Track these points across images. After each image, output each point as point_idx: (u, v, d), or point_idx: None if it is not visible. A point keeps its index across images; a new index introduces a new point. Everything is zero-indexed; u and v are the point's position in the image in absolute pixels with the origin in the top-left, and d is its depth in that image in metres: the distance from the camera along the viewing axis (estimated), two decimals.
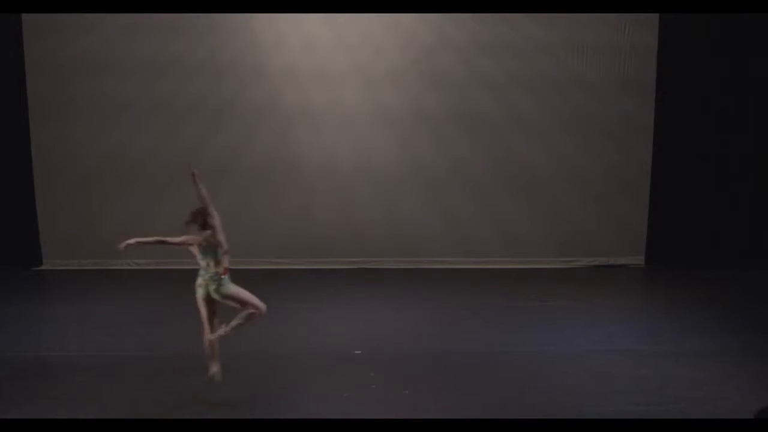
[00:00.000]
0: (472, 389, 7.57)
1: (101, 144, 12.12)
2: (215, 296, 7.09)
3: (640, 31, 12.13)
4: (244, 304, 7.12)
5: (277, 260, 12.32)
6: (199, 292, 7.13)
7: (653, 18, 12.06)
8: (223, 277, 7.08)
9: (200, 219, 7.13)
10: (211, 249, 7.08)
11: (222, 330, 7.12)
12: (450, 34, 12.11)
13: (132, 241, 7.20)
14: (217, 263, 7.08)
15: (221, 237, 7.08)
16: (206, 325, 7.14)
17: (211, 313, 7.17)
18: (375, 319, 9.87)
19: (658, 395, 7.40)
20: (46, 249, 12.31)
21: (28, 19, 11.77)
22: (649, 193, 12.35)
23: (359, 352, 8.50)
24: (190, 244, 7.16)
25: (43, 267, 12.32)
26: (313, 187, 12.32)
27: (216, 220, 7.09)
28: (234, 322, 7.11)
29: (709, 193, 12.30)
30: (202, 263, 7.12)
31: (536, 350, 8.58)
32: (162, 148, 12.15)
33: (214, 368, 7.14)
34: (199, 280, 7.14)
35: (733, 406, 6.91)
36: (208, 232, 7.07)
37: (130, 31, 11.84)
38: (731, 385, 7.53)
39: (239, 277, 11.81)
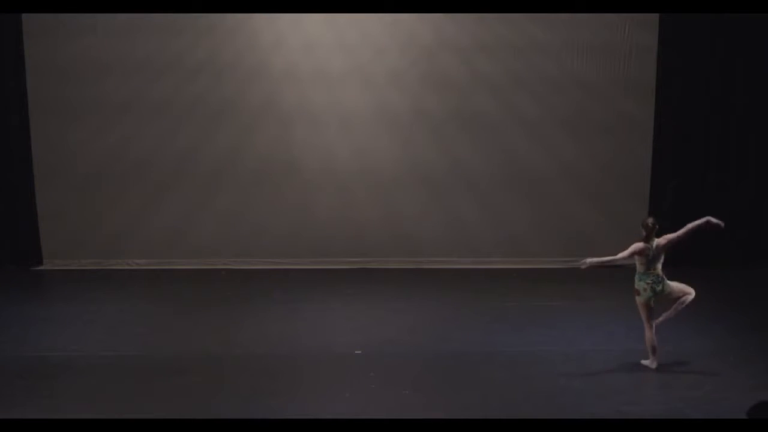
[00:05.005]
0: (472, 389, 7.57)
1: (101, 144, 12.12)
2: (661, 295, 7.85)
3: (640, 31, 12.13)
4: (682, 293, 7.92)
5: (277, 260, 12.32)
6: (645, 296, 7.86)
7: (653, 18, 12.05)
8: (662, 275, 7.86)
9: (654, 231, 7.86)
10: (659, 256, 7.85)
11: (663, 317, 7.97)
12: (450, 34, 12.11)
13: (591, 261, 7.89)
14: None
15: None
16: (649, 324, 7.91)
17: (651, 312, 7.91)
18: (375, 319, 9.87)
19: (658, 395, 7.40)
20: (46, 249, 12.31)
21: (28, 19, 11.77)
22: (649, 193, 12.35)
23: (359, 352, 8.50)
24: (639, 254, 7.85)
25: (43, 267, 12.32)
26: (313, 187, 12.32)
27: (676, 237, 7.91)
28: (673, 310, 7.96)
29: (709, 193, 12.29)
30: (641, 268, 7.87)
31: (536, 350, 8.58)
32: (162, 148, 12.16)
33: (654, 362, 7.95)
34: (642, 285, 7.88)
35: (733, 406, 6.90)
36: (658, 240, 7.83)
37: (130, 31, 11.84)
38: (731, 385, 7.53)
39: (239, 276, 11.89)
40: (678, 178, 8.20)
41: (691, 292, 7.94)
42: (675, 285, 7.94)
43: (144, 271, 12.17)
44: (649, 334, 7.96)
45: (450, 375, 7.96)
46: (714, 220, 7.98)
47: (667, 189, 8.23)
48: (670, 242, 7.89)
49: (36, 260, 12.32)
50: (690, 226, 7.93)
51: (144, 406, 7.06)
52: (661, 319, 7.99)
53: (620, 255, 7.84)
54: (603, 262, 7.89)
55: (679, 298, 7.93)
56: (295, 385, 7.69)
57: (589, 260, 7.86)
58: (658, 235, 7.88)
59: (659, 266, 7.89)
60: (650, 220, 7.96)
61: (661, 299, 7.93)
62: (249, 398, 7.25)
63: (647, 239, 7.88)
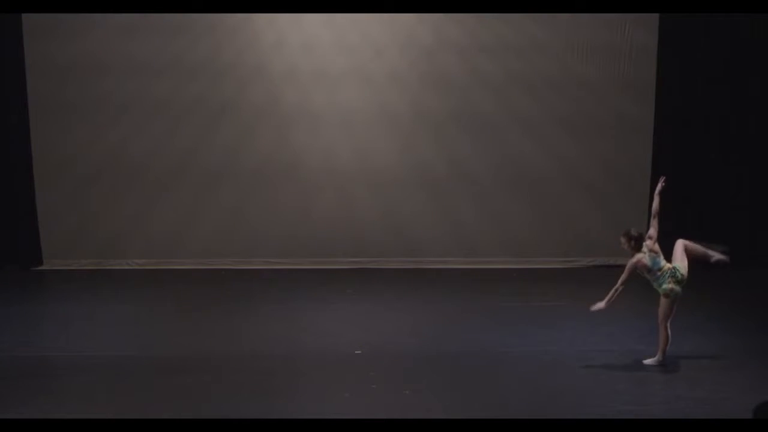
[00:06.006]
0: (472, 389, 7.57)
1: (101, 144, 12.12)
2: (684, 283, 7.88)
3: (640, 31, 12.13)
4: (698, 251, 8.08)
5: (277, 260, 12.32)
6: (674, 294, 7.87)
7: (653, 18, 12.06)
8: (674, 266, 7.91)
9: (641, 238, 7.94)
10: (657, 255, 7.90)
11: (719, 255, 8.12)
12: (450, 34, 12.11)
13: (603, 303, 7.91)
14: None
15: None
16: (666, 323, 7.96)
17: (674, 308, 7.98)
18: (375, 319, 9.87)
19: (658, 395, 7.40)
20: (46, 249, 12.30)
21: (28, 19, 11.77)
22: (649, 193, 12.32)
23: (359, 352, 8.50)
24: (639, 267, 7.91)
25: (43, 267, 12.31)
26: (313, 187, 12.31)
27: (654, 230, 8.00)
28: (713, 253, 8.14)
29: (709, 193, 12.30)
30: (653, 275, 7.89)
31: (536, 350, 8.58)
32: (162, 148, 12.16)
33: (663, 360, 8.02)
34: (667, 287, 7.87)
35: (733, 406, 6.91)
36: (649, 242, 7.90)
37: (130, 31, 11.84)
38: (731, 385, 7.53)
39: (239, 276, 11.88)
40: (662, 181, 8.20)
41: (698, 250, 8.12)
42: (683, 262, 7.95)
43: (144, 271, 12.17)
44: (666, 334, 7.98)
45: (450, 375, 7.96)
46: (659, 186, 8.17)
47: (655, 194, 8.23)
48: (655, 238, 7.94)
49: (36, 260, 12.32)
50: (654, 210, 8.07)
51: (144, 406, 7.06)
52: (719, 257, 8.14)
53: (622, 279, 7.87)
54: (612, 295, 7.87)
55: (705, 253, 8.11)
56: (295, 385, 7.69)
57: (600, 303, 7.88)
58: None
59: (664, 262, 7.92)
60: (632, 232, 7.97)
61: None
62: (249, 398, 7.25)
63: (638, 248, 7.92)
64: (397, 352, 8.55)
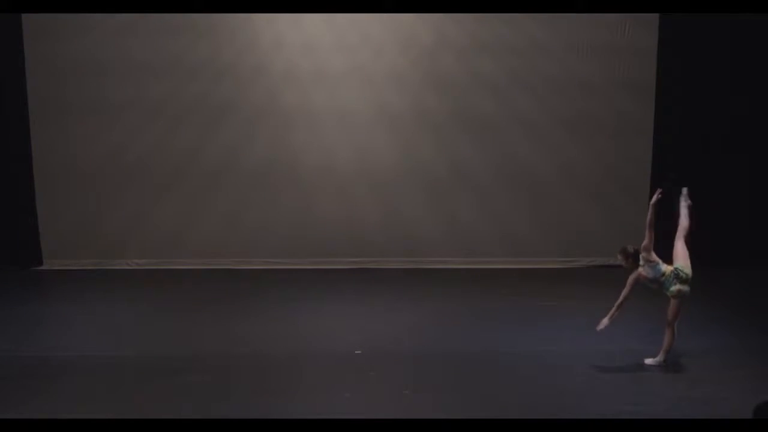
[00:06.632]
0: (472, 389, 7.57)
1: (101, 144, 12.12)
2: (689, 280, 7.89)
3: (640, 31, 12.14)
4: (688, 222, 8.24)
5: (277, 260, 12.32)
6: (681, 294, 7.88)
7: (653, 18, 12.07)
8: (675, 267, 7.91)
9: (634, 258, 7.98)
10: (655, 264, 7.89)
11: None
12: (450, 34, 12.12)
13: (607, 319, 7.94)
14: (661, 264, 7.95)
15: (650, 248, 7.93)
16: (674, 323, 7.99)
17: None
18: (375, 319, 9.87)
19: (658, 395, 7.40)
20: (46, 249, 12.31)
21: (28, 19, 11.77)
22: (649, 193, 12.32)
23: (359, 352, 8.50)
24: (640, 280, 7.96)
25: (43, 267, 12.32)
26: (313, 187, 12.32)
27: (648, 241, 7.92)
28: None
29: (709, 193, 12.28)
30: (658, 283, 7.92)
31: (536, 350, 8.58)
32: (162, 148, 12.16)
33: (664, 361, 8.07)
34: (674, 289, 7.87)
35: (733, 406, 6.91)
36: (644, 254, 7.90)
37: (130, 31, 11.85)
38: (731, 385, 7.53)
39: (240, 276, 11.88)
40: (659, 192, 8.13)
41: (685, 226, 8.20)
42: (686, 260, 7.95)
43: (144, 271, 12.18)
44: (672, 334, 7.99)
45: (450, 375, 7.96)
46: (654, 197, 8.01)
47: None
48: (650, 248, 7.91)
49: (36, 260, 12.32)
50: (648, 221, 7.94)
51: (144, 406, 7.06)
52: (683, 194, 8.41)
53: (624, 294, 7.91)
54: (615, 310, 7.90)
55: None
56: (295, 385, 7.69)
57: (605, 320, 7.90)
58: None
59: (664, 266, 7.92)
60: (629, 248, 8.00)
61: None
62: (249, 398, 7.25)
63: (635, 263, 7.95)
64: (397, 352, 8.55)
